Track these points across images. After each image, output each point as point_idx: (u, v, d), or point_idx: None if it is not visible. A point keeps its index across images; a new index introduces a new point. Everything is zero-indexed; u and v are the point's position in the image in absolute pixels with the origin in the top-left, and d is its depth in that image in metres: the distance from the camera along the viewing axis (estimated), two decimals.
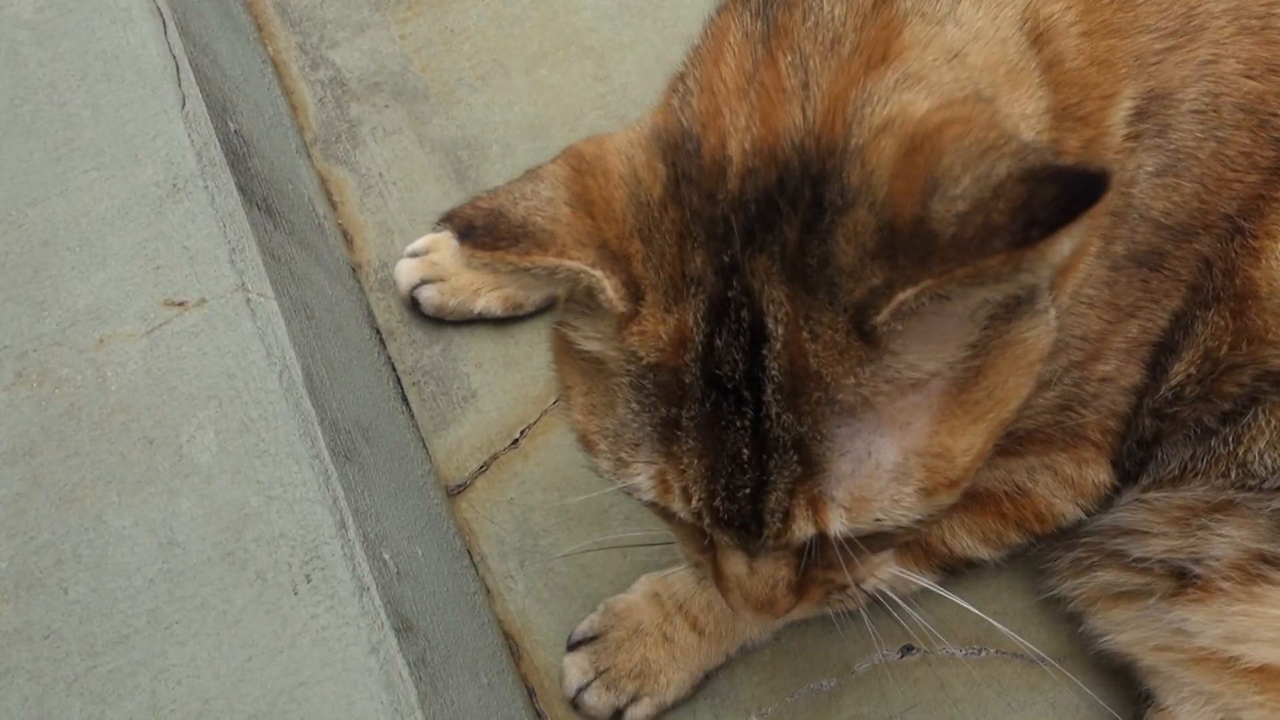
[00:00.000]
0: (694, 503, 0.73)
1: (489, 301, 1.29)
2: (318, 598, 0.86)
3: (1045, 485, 1.04)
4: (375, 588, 0.87)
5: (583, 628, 1.14)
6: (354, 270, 1.38)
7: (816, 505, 0.71)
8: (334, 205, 1.43)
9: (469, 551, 1.21)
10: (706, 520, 0.74)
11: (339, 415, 1.01)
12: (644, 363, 0.70)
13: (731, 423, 0.69)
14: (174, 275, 1.00)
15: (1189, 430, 0.99)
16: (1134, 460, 1.02)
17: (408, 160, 1.45)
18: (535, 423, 1.27)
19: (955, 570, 1.11)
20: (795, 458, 0.69)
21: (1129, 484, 1.04)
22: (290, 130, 1.45)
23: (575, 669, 1.11)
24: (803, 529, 0.72)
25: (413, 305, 1.31)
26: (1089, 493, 1.03)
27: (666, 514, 0.78)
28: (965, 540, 1.09)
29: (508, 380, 1.30)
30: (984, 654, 1.13)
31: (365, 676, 0.83)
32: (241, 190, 1.08)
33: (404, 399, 1.29)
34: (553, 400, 1.28)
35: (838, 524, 0.71)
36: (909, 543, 1.11)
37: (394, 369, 1.31)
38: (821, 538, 0.73)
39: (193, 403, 0.94)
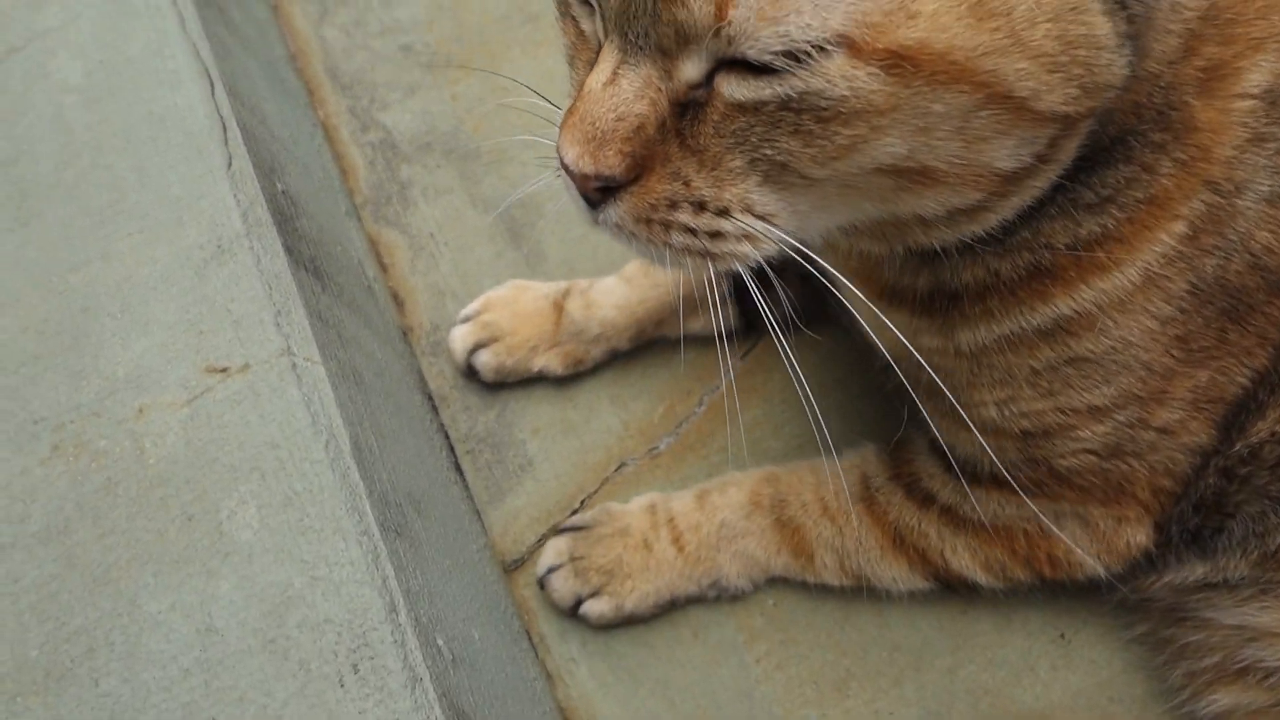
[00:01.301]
0: None
1: (549, 359, 1.23)
2: (366, 690, 0.78)
3: (1071, 533, 0.94)
4: (429, 678, 0.79)
5: (575, 519, 1.14)
6: (405, 334, 1.32)
7: None
8: (384, 268, 1.38)
9: (528, 633, 1.13)
10: None
11: (389, 487, 0.94)
12: None
13: None
14: (216, 340, 0.95)
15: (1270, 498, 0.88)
16: (1186, 527, 0.91)
17: (459, 221, 1.40)
18: (596, 491, 1.19)
19: (949, 585, 1.03)
20: None
21: (1194, 555, 0.93)
22: (340, 193, 1.41)
23: (552, 550, 1.11)
24: (698, 6, 0.58)
25: (470, 373, 1.25)
26: (1120, 553, 0.94)
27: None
28: (965, 561, 1.00)
29: (565, 446, 1.23)
30: None
31: None
32: (288, 250, 1.03)
33: (458, 468, 1.22)
34: (614, 468, 1.21)
35: (742, 10, 0.57)
36: (901, 536, 1.02)
37: (447, 437, 1.25)
38: (711, 75, 0.61)
39: (234, 475, 0.88)
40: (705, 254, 0.68)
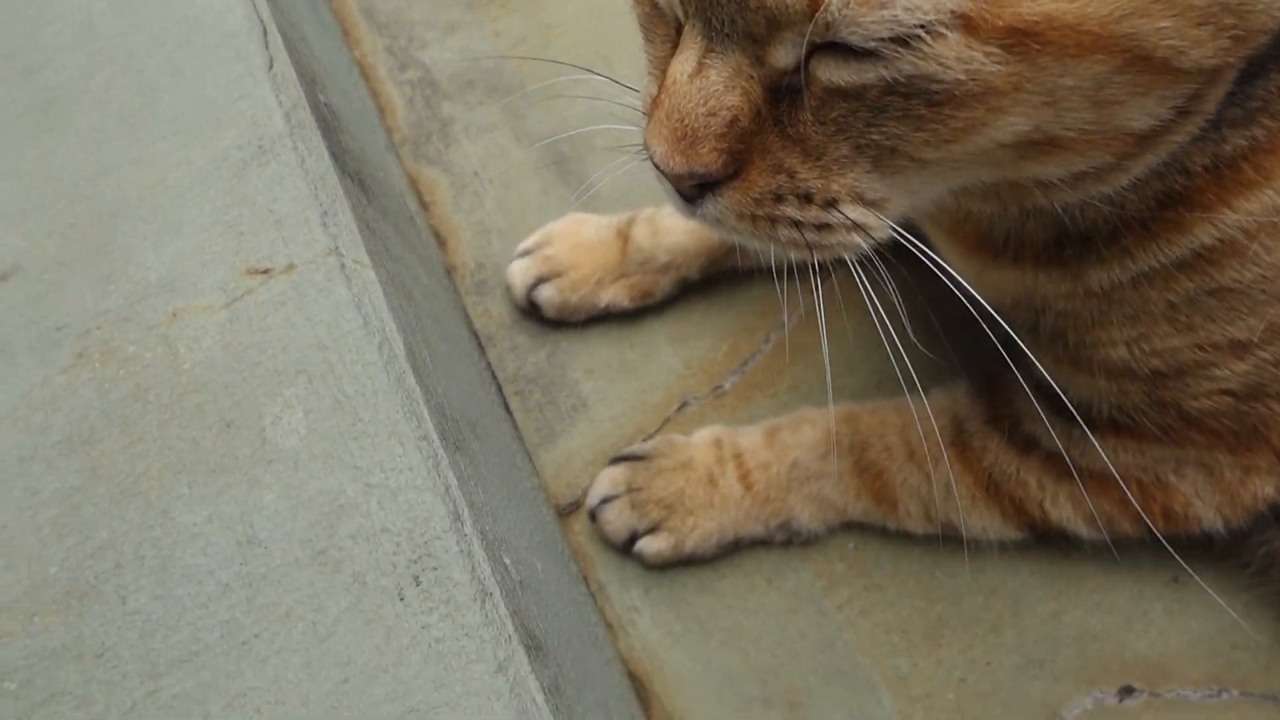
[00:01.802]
0: None
1: (615, 293, 1.14)
2: (430, 604, 0.69)
3: (1192, 483, 0.85)
4: (499, 593, 0.70)
5: (633, 448, 1.05)
6: (449, 272, 1.24)
7: None
8: (425, 206, 1.30)
9: (585, 579, 1.03)
10: None
11: (445, 402, 0.85)
12: None
13: None
14: (258, 242, 0.87)
15: None
16: None
17: (504, 157, 1.32)
18: (656, 432, 1.11)
19: (1044, 536, 0.94)
20: None
21: None
22: (378, 129, 1.34)
23: (607, 479, 1.02)
24: None
25: (531, 309, 1.16)
26: (1244, 505, 0.85)
27: None
28: (1066, 512, 0.91)
29: (623, 387, 1.14)
30: (1224, 696, 0.91)
31: (493, 701, 0.65)
32: (334, 156, 0.95)
33: (507, 409, 1.14)
34: (676, 407, 1.12)
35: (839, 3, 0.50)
36: (997, 484, 0.92)
37: (494, 377, 1.16)
38: (807, 61, 0.54)
39: (278, 380, 0.80)
40: (813, 246, 0.62)
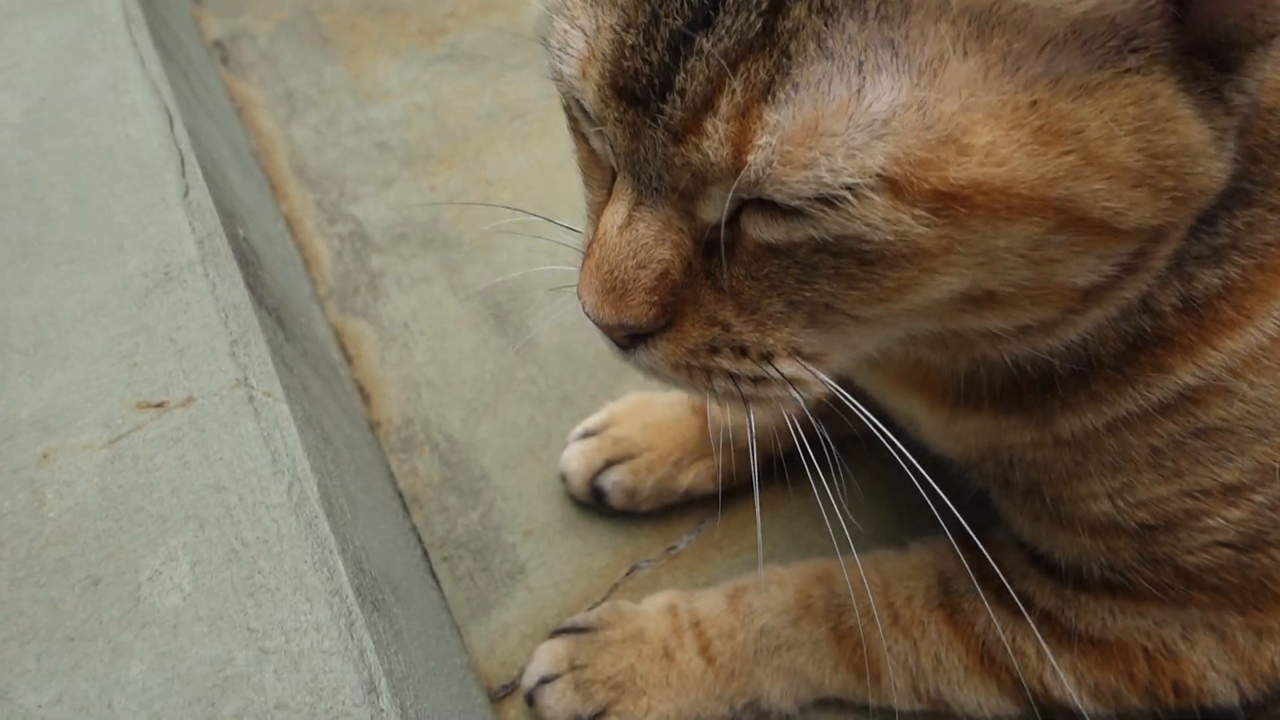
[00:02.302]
0: (602, 46, 0.52)
1: (696, 475, 1.02)
2: None
3: (1204, 651, 0.76)
4: None
5: (577, 618, 0.92)
6: (373, 428, 1.13)
7: (749, 107, 0.48)
8: (350, 359, 1.21)
9: None
10: (605, 78, 0.52)
11: (363, 556, 0.73)
12: None
13: None
14: (154, 373, 0.76)
15: None
16: None
17: (438, 309, 1.25)
18: (604, 599, 0.98)
19: (1045, 712, 0.82)
20: (757, 25, 0.47)
21: None
22: (303, 279, 1.26)
23: (547, 655, 0.89)
24: (716, 133, 0.49)
25: (594, 499, 1.03)
26: (1262, 674, 0.76)
27: (579, 115, 0.59)
28: (1070, 686, 0.81)
29: (566, 549, 1.03)
30: None
31: None
32: (250, 288, 0.86)
33: (434, 576, 1.01)
34: (625, 571, 1.00)
35: (765, 146, 0.48)
36: (991, 654, 0.82)
37: (420, 542, 1.04)
38: (738, 213, 0.53)
39: (163, 527, 0.67)
40: (749, 399, 0.60)
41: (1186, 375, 0.64)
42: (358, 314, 1.25)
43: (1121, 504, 0.71)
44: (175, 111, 1.01)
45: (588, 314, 0.57)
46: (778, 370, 0.58)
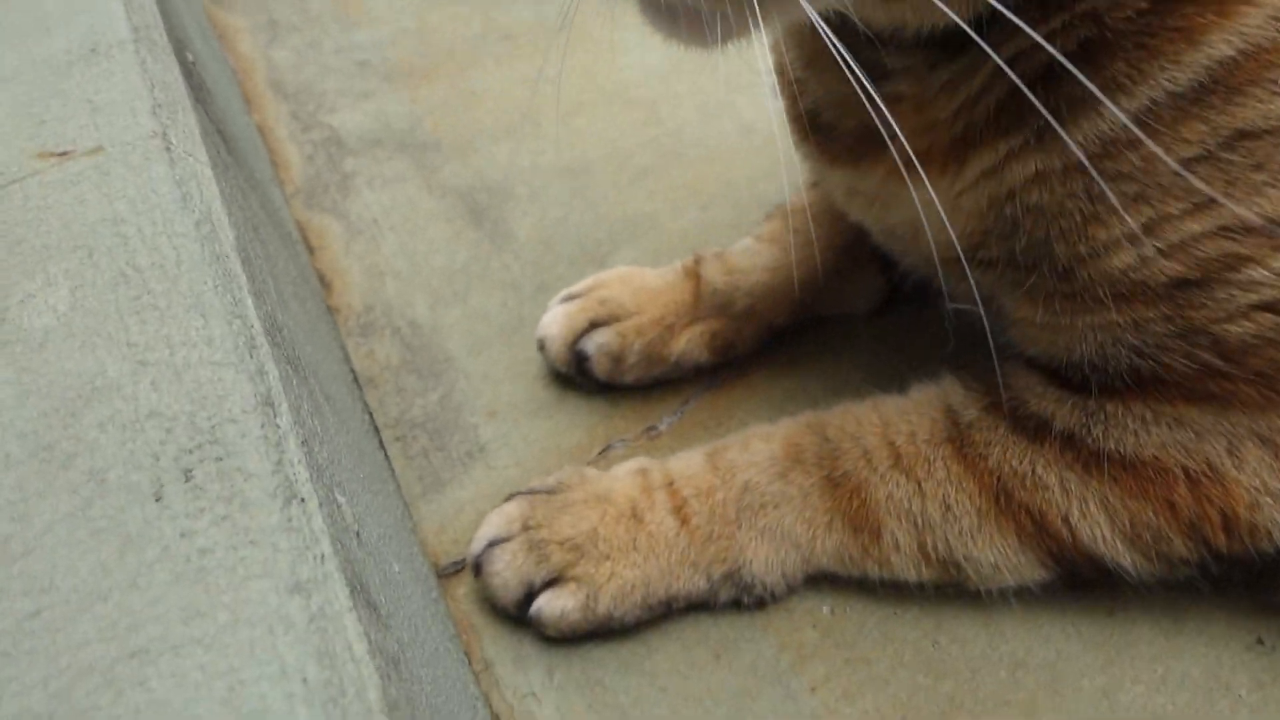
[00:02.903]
0: None
1: (690, 341, 0.91)
2: (200, 504, 0.44)
3: (1254, 471, 0.65)
4: (317, 505, 0.45)
5: (535, 482, 0.80)
6: (331, 312, 1.03)
7: None
8: (312, 250, 1.11)
9: (468, 657, 0.75)
10: None
11: (291, 331, 0.63)
12: None
13: None
14: (63, 128, 0.66)
15: None
16: None
17: (411, 205, 1.15)
18: None
19: (1077, 571, 0.70)
20: None
21: None
22: (268, 173, 1.17)
23: (499, 517, 0.77)
24: None
25: (577, 365, 0.92)
26: None
27: None
28: (1100, 527, 0.69)
29: (532, 429, 0.91)
30: None
31: (277, 632, 0.39)
32: (190, 87, 0.77)
33: (385, 455, 0.90)
34: (599, 450, 0.89)
35: None
36: (1008, 491, 0.71)
37: (373, 421, 0.93)
38: None
39: (44, 256, 0.57)
40: None
41: (1221, 44, 0.54)
42: (325, 210, 1.16)
43: (1148, 251, 0.60)
44: None
45: None
46: None
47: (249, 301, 0.54)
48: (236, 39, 1.46)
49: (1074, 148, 0.59)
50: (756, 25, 0.55)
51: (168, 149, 0.63)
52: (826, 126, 0.76)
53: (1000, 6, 0.54)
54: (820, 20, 0.53)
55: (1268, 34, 0.55)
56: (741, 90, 1.23)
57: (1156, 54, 0.55)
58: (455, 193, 1.16)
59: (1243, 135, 0.57)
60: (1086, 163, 0.58)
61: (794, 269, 0.91)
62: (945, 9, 0.54)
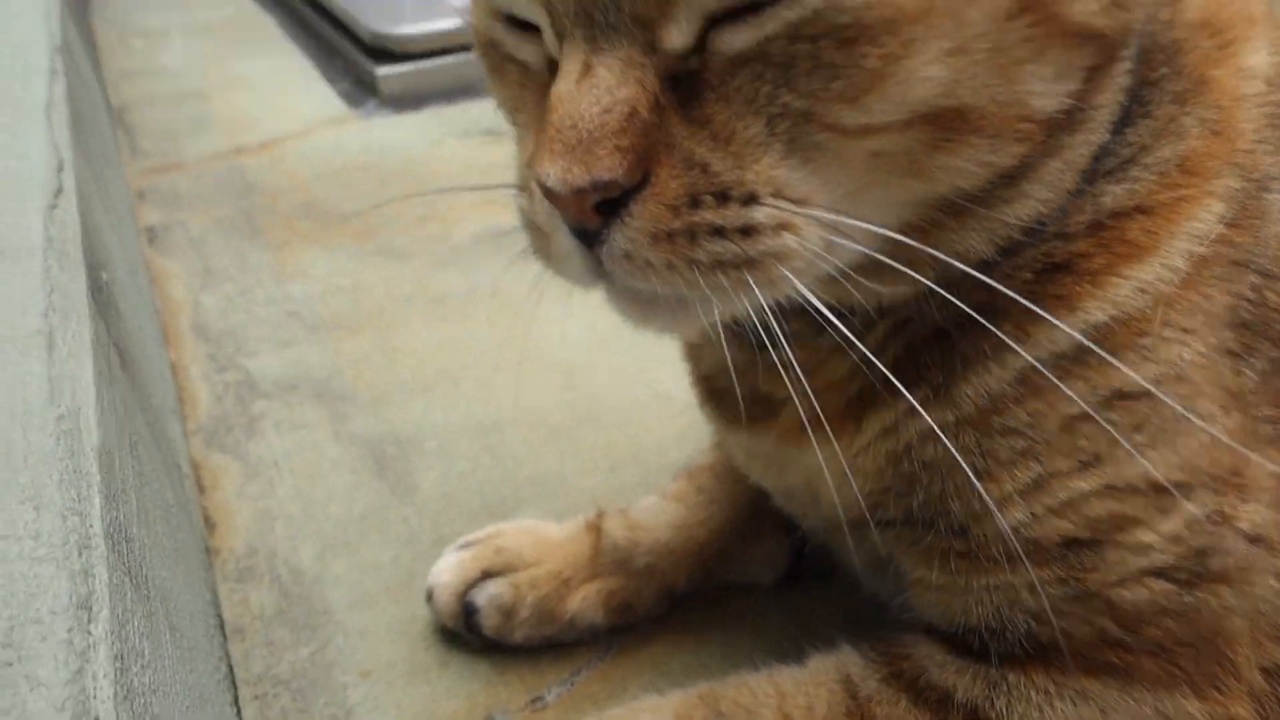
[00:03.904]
0: None
1: (586, 599, 0.86)
2: None
3: None
4: None
5: None
6: (209, 553, 0.96)
7: None
8: (203, 489, 1.06)
9: None
10: None
11: (144, 550, 0.58)
12: None
13: None
14: None
15: None
16: None
17: (315, 451, 1.12)
18: None
19: None
20: None
21: None
22: (173, 414, 1.14)
23: None
24: None
25: (465, 619, 0.86)
26: None
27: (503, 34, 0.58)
28: None
29: (407, 694, 0.83)
30: None
31: None
32: (96, 302, 0.76)
33: (236, 710, 0.80)
34: None
35: None
36: None
37: (232, 675, 0.84)
38: (702, 37, 0.50)
39: None
40: (742, 262, 0.52)
41: (1095, 309, 0.58)
42: (224, 450, 1.12)
43: (1038, 507, 0.60)
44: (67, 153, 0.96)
45: (550, 190, 0.51)
46: (766, 208, 0.52)
47: (96, 501, 0.50)
48: (169, 283, 1.48)
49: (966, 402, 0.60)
50: (745, 309, 0.55)
51: (50, 348, 0.61)
52: (723, 391, 0.76)
53: (930, 284, 0.57)
54: (815, 299, 0.54)
55: (1137, 303, 0.59)
56: (659, 359, 1.25)
57: (1040, 318, 0.58)
58: (363, 442, 1.13)
59: (1121, 395, 0.59)
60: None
61: (696, 527, 0.89)
62: (882, 289, 0.57)
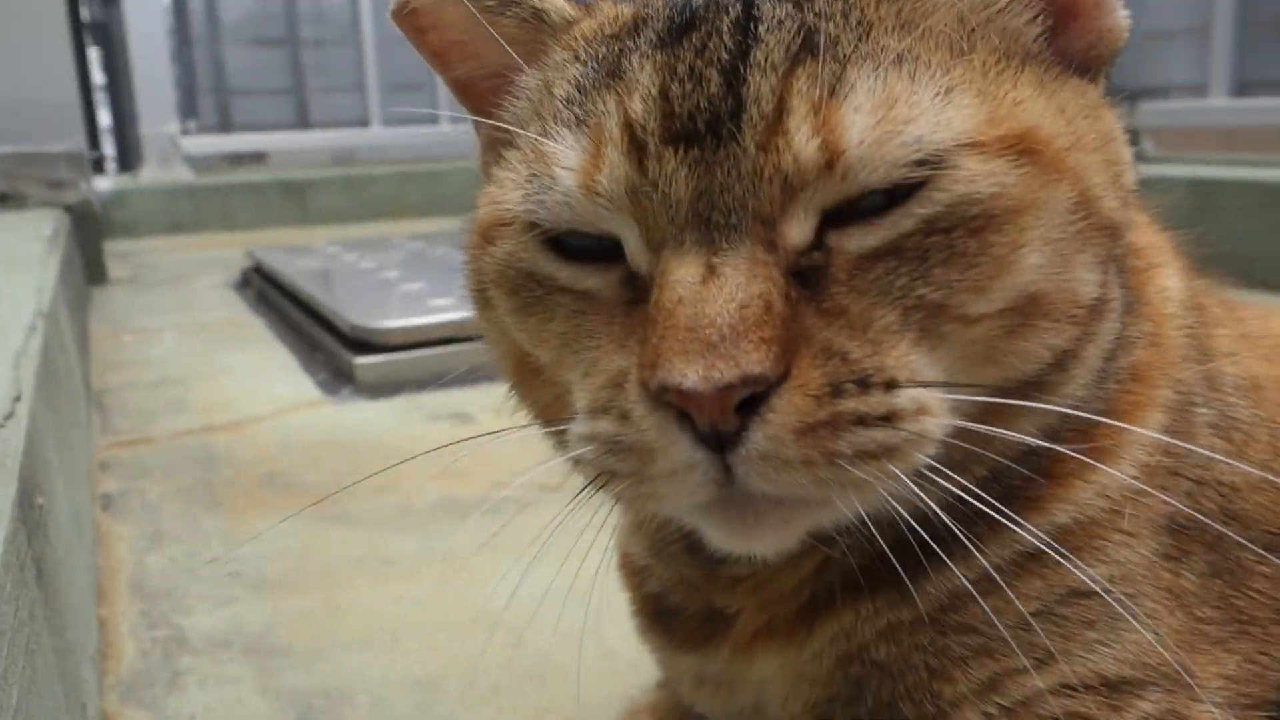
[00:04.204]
0: (639, 109, 0.56)
1: None
2: None
3: None
4: None
5: None
6: None
7: (823, 99, 0.53)
8: None
9: None
10: (653, 133, 0.55)
11: None
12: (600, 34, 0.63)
13: (706, 38, 0.57)
14: None
15: None
16: None
17: (238, 705, 1.05)
18: None
19: None
20: (796, 39, 0.55)
21: None
22: (89, 660, 1.08)
23: None
24: (801, 138, 0.52)
25: None
26: None
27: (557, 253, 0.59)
28: None
29: None
30: None
31: None
32: (24, 516, 0.76)
33: None
34: None
35: (856, 131, 0.52)
36: None
37: None
38: (820, 233, 0.54)
39: None
40: (884, 451, 0.52)
41: (1060, 511, 0.60)
42: (141, 705, 1.06)
43: (991, 709, 0.59)
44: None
45: (691, 389, 0.49)
46: (906, 395, 0.52)
47: None
48: (115, 544, 1.45)
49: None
50: (874, 503, 0.54)
51: None
52: (674, 610, 0.75)
53: (932, 506, 0.55)
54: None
55: (1095, 506, 0.61)
56: (609, 618, 1.21)
57: (1012, 521, 0.58)
58: (290, 695, 1.07)
59: (1076, 594, 0.60)
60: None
61: None
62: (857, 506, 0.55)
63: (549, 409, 0.65)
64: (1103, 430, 0.61)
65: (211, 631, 1.20)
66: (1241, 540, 0.63)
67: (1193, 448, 0.63)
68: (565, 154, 0.57)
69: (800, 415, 0.50)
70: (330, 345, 2.43)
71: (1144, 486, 0.61)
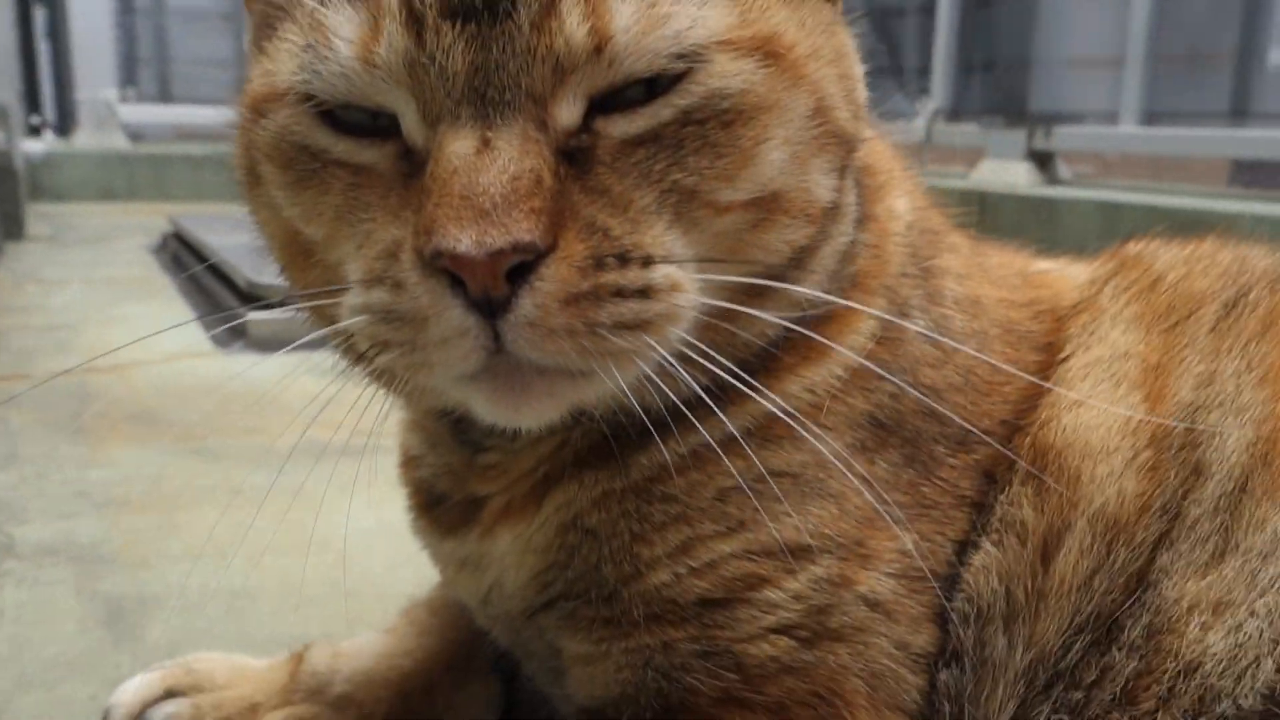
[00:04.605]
0: None
1: None
2: None
3: None
4: None
5: None
6: None
7: None
8: None
9: None
10: (431, 6, 0.55)
11: None
12: None
13: None
14: None
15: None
16: None
17: (50, 604, 1.08)
18: None
19: None
20: None
21: None
22: None
23: None
24: (573, 21, 0.55)
25: None
26: None
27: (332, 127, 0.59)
28: None
29: None
30: None
31: None
32: None
33: None
34: None
35: (623, 20, 0.55)
36: None
37: None
38: (588, 118, 0.57)
39: None
40: (639, 323, 0.56)
41: (769, 402, 0.63)
42: None
43: (682, 569, 0.64)
44: None
45: (464, 253, 0.51)
46: (663, 270, 0.56)
47: None
48: None
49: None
50: (634, 376, 0.57)
51: None
52: (441, 497, 0.79)
53: (674, 397, 0.61)
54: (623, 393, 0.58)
55: (802, 399, 0.66)
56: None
57: (726, 407, 0.63)
58: (105, 598, 1.09)
59: (772, 474, 0.64)
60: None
61: (402, 657, 0.86)
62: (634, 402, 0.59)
63: (321, 290, 0.65)
64: (824, 329, 0.66)
65: (42, 541, 1.22)
66: (936, 436, 0.69)
67: (894, 357, 0.69)
68: (343, 25, 0.58)
69: (566, 285, 0.53)
70: (230, 302, 2.44)
71: (847, 384, 0.67)
